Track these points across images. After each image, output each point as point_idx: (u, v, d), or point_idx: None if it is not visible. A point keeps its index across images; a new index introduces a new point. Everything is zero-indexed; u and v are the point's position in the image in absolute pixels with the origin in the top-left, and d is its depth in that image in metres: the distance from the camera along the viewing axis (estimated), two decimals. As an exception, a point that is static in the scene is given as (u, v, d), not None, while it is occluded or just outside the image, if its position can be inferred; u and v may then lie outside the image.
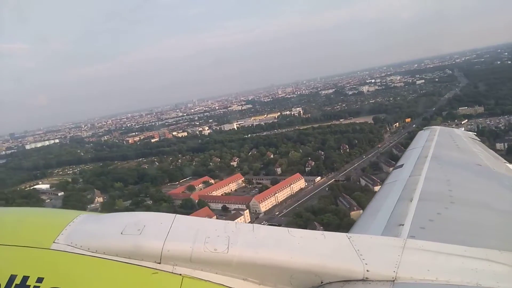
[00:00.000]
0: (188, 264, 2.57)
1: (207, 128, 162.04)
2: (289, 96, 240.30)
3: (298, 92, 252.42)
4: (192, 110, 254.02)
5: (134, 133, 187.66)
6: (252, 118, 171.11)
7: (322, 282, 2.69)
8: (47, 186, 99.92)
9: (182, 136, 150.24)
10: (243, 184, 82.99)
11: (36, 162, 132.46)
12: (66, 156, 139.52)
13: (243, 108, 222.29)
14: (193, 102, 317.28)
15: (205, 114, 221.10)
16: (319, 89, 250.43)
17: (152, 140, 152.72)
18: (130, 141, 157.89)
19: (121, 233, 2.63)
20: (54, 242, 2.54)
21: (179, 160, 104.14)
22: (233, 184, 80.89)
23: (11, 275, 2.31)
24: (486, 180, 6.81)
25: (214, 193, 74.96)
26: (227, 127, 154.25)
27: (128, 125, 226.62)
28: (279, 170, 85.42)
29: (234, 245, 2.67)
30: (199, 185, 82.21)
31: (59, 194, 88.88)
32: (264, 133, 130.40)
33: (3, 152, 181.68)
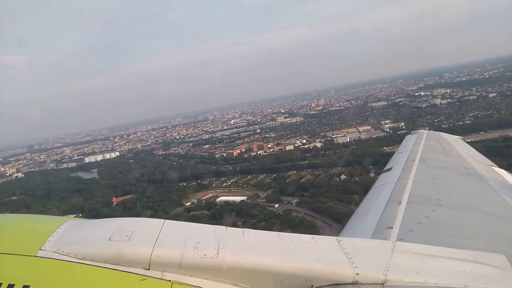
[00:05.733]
0: (177, 270, 2.55)
1: (304, 140, 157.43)
2: (334, 109, 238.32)
3: (337, 105, 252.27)
4: (232, 122, 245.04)
5: (207, 146, 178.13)
6: (343, 131, 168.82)
7: (312, 286, 2.69)
8: (241, 198, 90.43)
9: (290, 149, 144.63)
10: None
11: (158, 175, 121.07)
12: (187, 170, 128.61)
13: (296, 120, 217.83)
14: (213, 114, 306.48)
15: (255, 127, 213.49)
16: (359, 101, 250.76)
17: (257, 153, 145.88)
18: (234, 154, 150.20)
19: (109, 239, 2.61)
20: (40, 249, 2.48)
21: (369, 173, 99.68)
22: None
23: None
24: (473, 182, 6.95)
25: None
26: (340, 139, 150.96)
27: (172, 138, 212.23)
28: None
29: (224, 250, 2.66)
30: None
31: (275, 206, 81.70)
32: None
33: (64, 165, 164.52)
